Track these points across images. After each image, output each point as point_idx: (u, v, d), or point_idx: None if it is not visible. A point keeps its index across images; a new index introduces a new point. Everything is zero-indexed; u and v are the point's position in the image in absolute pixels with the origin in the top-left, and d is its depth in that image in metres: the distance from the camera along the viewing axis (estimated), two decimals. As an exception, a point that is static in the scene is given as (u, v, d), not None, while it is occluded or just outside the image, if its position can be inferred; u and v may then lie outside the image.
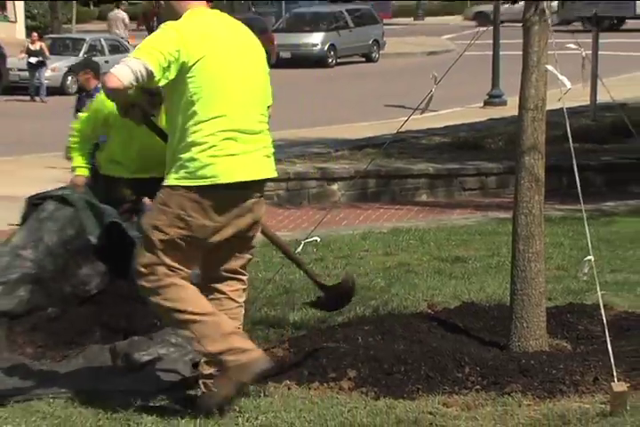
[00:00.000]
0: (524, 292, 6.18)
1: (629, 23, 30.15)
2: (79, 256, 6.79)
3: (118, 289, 6.72)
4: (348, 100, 26.30)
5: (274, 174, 5.57)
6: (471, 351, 6.07)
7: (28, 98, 27.50)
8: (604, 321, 5.79)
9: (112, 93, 5.26)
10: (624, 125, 13.38)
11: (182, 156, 5.29)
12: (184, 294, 5.34)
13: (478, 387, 5.72)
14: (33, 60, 27.60)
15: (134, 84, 5.20)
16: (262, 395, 5.63)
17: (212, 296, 5.50)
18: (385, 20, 43.02)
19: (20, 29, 38.37)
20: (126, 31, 35.64)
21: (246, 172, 5.36)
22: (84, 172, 7.52)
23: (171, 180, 5.32)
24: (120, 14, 36.74)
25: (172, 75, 5.26)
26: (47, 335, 6.47)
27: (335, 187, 14.77)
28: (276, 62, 34.70)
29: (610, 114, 18.14)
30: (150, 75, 5.18)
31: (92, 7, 58.65)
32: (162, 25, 5.41)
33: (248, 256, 5.64)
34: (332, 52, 36.50)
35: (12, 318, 6.46)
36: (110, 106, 6.31)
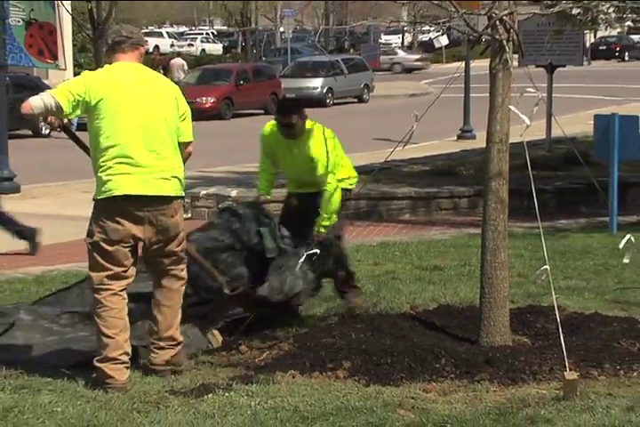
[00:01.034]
0: (491, 295, 6.16)
1: (576, 70, 30.40)
2: (237, 258, 6.91)
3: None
4: (342, 134, 26.17)
5: (169, 193, 5.79)
6: (447, 346, 6.05)
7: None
8: (558, 320, 5.77)
9: (25, 116, 5.85)
10: (574, 156, 13.38)
11: (96, 175, 5.78)
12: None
13: (452, 376, 5.70)
14: None
15: (43, 112, 5.74)
16: (271, 382, 5.61)
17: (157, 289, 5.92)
18: (374, 68, 43.06)
19: (68, 76, 38.47)
20: (184, 75, 36.63)
21: (136, 188, 5.70)
22: (263, 193, 7.64)
23: (94, 195, 5.81)
24: (179, 61, 38.52)
25: (79, 110, 5.75)
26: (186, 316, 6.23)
27: (332, 207, 14.73)
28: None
29: (562, 146, 18.10)
30: (59, 108, 5.69)
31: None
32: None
33: (174, 262, 5.88)
34: (330, 94, 36.51)
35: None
36: (271, 142, 7.31)
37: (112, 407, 5.26)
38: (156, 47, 64.34)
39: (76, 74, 39.66)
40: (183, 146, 5.93)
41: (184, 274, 5.99)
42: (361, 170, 16.94)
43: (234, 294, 6.60)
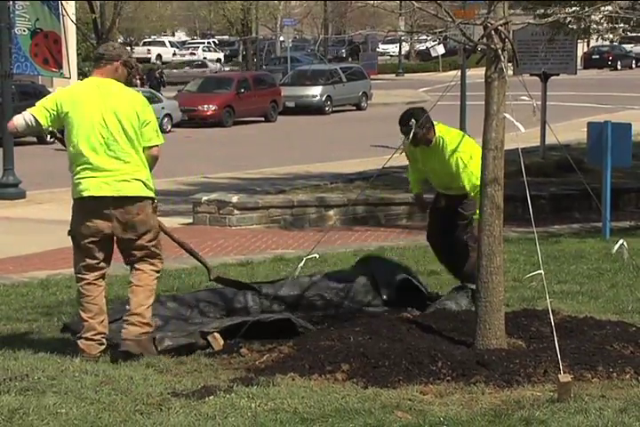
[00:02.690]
0: (486, 299, 6.15)
1: (569, 78, 30.44)
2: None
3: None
4: (341, 141, 26.32)
5: (130, 194, 6.32)
6: (443, 349, 6.04)
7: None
8: (552, 324, 5.77)
9: (11, 134, 7.06)
10: (568, 162, 13.39)
11: (71, 179, 6.40)
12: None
13: (449, 378, 5.70)
14: None
15: (26, 129, 6.47)
16: (271, 385, 5.60)
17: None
18: (372, 76, 43.09)
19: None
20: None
21: (99, 190, 6.29)
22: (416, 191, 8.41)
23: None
24: (215, 67, 39.79)
25: (57, 123, 6.44)
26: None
27: (331, 213, 14.76)
28: (282, 110, 34.73)
29: (556, 153, 18.14)
30: (38, 123, 6.39)
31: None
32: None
33: (147, 255, 6.45)
34: (329, 102, 36.57)
35: (286, 303, 7.23)
36: (410, 149, 7.79)
37: (115, 409, 5.25)
38: (159, 56, 64.48)
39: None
40: (147, 150, 6.43)
41: (158, 264, 6.52)
42: (359, 176, 17.13)
43: (217, 278, 7.22)
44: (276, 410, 5.19)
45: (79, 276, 6.46)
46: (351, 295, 7.32)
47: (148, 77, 36.77)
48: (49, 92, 29.93)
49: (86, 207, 6.34)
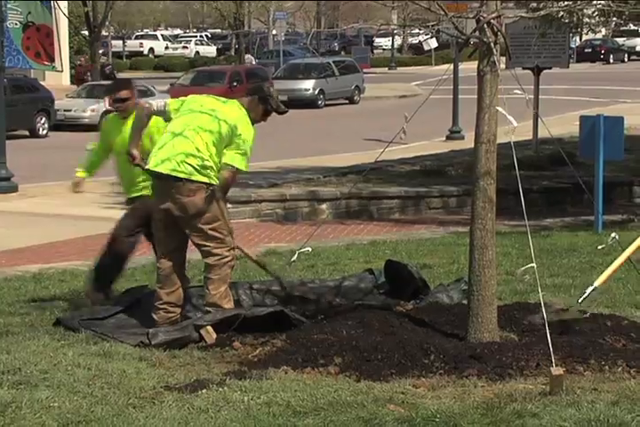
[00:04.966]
0: (479, 293, 6.16)
1: (561, 72, 30.42)
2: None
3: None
4: (334, 135, 26.30)
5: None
6: (436, 342, 6.05)
7: (71, 133, 27.34)
8: (545, 317, 5.78)
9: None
10: (560, 156, 13.42)
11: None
12: None
13: (441, 371, 5.71)
14: None
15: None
16: (264, 378, 5.60)
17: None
18: (364, 70, 43.02)
19: (65, 77, 38.43)
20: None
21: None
22: None
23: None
24: (249, 58, 42.95)
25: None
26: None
27: (324, 206, 14.76)
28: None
29: (548, 147, 18.16)
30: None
31: (124, 59, 58.73)
32: None
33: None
34: (322, 96, 36.51)
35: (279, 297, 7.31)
36: None
37: (108, 403, 5.25)
38: (151, 49, 64.35)
39: (72, 76, 39.63)
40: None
41: (216, 251, 6.75)
42: (351, 170, 17.11)
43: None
44: (268, 403, 5.19)
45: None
46: (342, 292, 7.33)
47: (101, 73, 36.38)
48: (41, 86, 29.83)
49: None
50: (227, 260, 6.81)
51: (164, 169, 6.69)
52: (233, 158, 6.76)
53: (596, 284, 6.56)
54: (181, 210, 6.70)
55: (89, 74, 35.18)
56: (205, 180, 6.70)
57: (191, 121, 6.78)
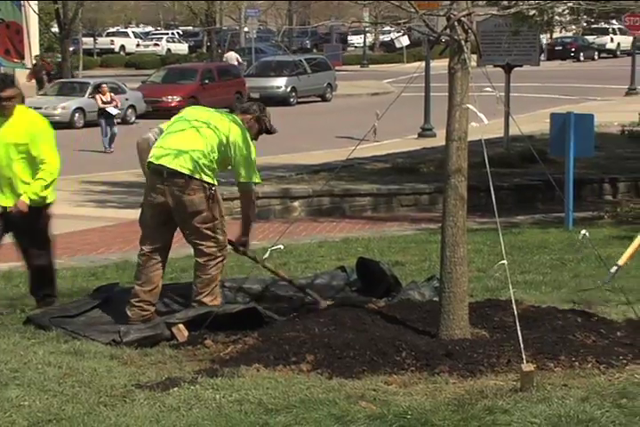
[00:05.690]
0: (450, 290, 6.18)
1: (532, 70, 30.54)
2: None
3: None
4: (306, 132, 26.30)
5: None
6: (407, 339, 6.06)
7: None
8: (516, 314, 5.80)
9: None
10: (531, 153, 13.46)
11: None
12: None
13: (413, 368, 5.72)
14: (114, 111, 23.75)
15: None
16: (236, 376, 5.60)
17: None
18: (336, 67, 43.06)
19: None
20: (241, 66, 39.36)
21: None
22: None
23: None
24: (233, 55, 41.68)
25: None
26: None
27: (296, 204, 14.76)
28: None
29: (519, 144, 18.24)
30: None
31: (95, 56, 58.43)
32: None
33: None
34: (294, 93, 36.49)
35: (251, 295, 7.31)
36: None
37: (79, 401, 5.23)
38: (122, 47, 64.06)
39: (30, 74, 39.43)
40: None
41: (209, 251, 6.77)
42: (324, 167, 17.12)
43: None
44: (240, 401, 5.19)
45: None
46: (315, 290, 7.33)
47: (37, 73, 36.08)
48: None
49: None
50: (218, 260, 6.82)
51: (168, 163, 6.65)
52: (247, 175, 6.84)
53: (620, 262, 6.65)
54: (180, 207, 6.68)
55: (44, 72, 34.94)
56: (208, 179, 6.70)
57: (194, 122, 6.79)
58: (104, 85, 25.07)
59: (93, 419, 4.98)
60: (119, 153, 22.81)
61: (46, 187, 7.37)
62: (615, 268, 6.68)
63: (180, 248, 8.15)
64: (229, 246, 7.06)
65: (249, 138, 6.92)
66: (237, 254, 7.30)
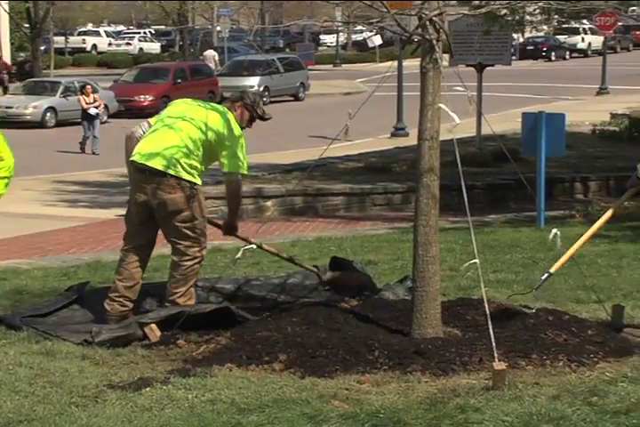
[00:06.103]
0: (422, 289, 6.19)
1: (504, 69, 30.62)
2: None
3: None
4: (279, 132, 26.27)
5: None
6: (380, 338, 6.07)
7: (12, 130, 27.02)
8: (488, 313, 5.82)
9: None
10: (503, 153, 13.52)
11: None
12: None
13: (386, 367, 5.72)
14: (93, 111, 23.42)
15: None
16: (208, 376, 5.58)
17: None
18: (309, 67, 43.06)
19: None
20: (217, 66, 39.31)
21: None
22: None
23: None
24: (212, 53, 41.62)
25: None
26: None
27: (269, 203, 14.75)
28: (219, 101, 34.55)
29: (492, 143, 18.31)
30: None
31: (67, 55, 58.15)
32: None
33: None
34: (266, 93, 36.47)
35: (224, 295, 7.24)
36: None
37: (50, 402, 5.20)
38: (94, 46, 63.78)
39: (13, 73, 39.15)
40: None
41: (188, 251, 6.74)
42: (296, 167, 17.12)
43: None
44: (213, 401, 5.18)
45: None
46: (287, 289, 7.33)
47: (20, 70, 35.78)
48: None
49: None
50: (196, 261, 6.80)
51: (149, 162, 6.63)
52: (231, 165, 6.73)
53: (552, 270, 6.68)
54: (160, 206, 6.66)
55: (5, 72, 34.76)
56: (190, 178, 6.67)
57: (180, 118, 6.77)
58: (88, 86, 24.78)
59: (65, 420, 4.95)
60: (92, 153, 22.72)
61: (6, 185, 7.33)
62: (546, 275, 6.72)
63: (155, 248, 8.12)
64: (222, 232, 7.09)
65: (234, 126, 6.79)
66: (226, 237, 7.27)
